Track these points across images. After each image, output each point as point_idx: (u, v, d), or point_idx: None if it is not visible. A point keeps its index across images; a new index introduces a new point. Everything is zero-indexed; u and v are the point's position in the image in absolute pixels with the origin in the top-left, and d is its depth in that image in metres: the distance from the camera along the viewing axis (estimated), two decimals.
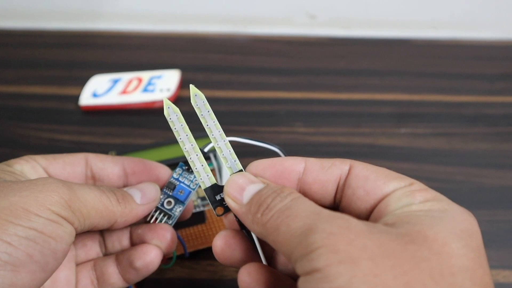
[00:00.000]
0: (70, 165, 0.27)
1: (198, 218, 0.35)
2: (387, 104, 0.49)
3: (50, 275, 0.22)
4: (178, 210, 0.28)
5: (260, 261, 0.24)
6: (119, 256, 0.27)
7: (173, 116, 0.25)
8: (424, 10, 0.59)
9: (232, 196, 0.23)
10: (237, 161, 0.25)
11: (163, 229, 0.27)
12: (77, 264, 0.27)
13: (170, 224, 0.28)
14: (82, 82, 0.50)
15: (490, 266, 0.20)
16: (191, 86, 0.25)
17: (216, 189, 0.25)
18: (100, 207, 0.24)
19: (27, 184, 0.22)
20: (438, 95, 0.50)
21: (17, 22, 0.60)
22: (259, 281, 0.22)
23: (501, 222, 0.38)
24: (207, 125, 0.25)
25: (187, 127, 0.25)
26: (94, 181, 0.28)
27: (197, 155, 0.25)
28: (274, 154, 0.26)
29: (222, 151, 0.25)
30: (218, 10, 0.60)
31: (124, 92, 0.49)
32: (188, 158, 0.25)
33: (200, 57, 0.56)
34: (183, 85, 0.50)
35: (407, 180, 0.21)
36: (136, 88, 0.49)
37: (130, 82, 0.50)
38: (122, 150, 0.40)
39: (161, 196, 0.28)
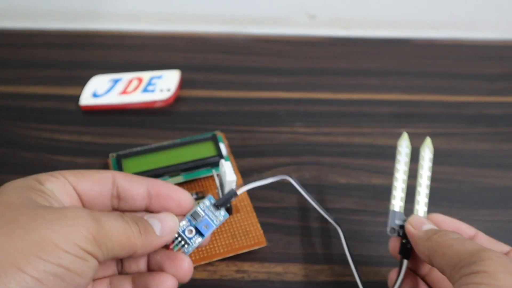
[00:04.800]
0: (98, 184, 0.28)
1: None
2: (387, 104, 0.49)
3: None
4: (197, 241, 0.29)
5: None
6: (136, 279, 0.28)
7: (405, 149, 0.31)
8: (424, 10, 0.59)
9: (414, 224, 0.28)
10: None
11: (181, 259, 0.28)
12: (94, 280, 0.28)
13: (187, 253, 0.29)
14: (82, 82, 0.50)
15: None
16: (428, 139, 0.31)
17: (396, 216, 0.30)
18: (123, 239, 0.25)
19: (57, 216, 0.23)
20: (438, 95, 0.50)
21: (17, 22, 0.60)
22: None
23: (501, 222, 0.38)
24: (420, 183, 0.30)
25: (408, 166, 0.30)
26: (118, 200, 0.29)
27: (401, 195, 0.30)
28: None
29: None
30: (218, 10, 0.60)
31: (124, 92, 0.49)
32: (392, 193, 0.30)
33: (200, 57, 0.55)
34: (183, 85, 0.50)
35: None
36: (136, 88, 0.49)
37: (130, 82, 0.50)
38: (122, 149, 0.40)
39: (184, 223, 0.28)
